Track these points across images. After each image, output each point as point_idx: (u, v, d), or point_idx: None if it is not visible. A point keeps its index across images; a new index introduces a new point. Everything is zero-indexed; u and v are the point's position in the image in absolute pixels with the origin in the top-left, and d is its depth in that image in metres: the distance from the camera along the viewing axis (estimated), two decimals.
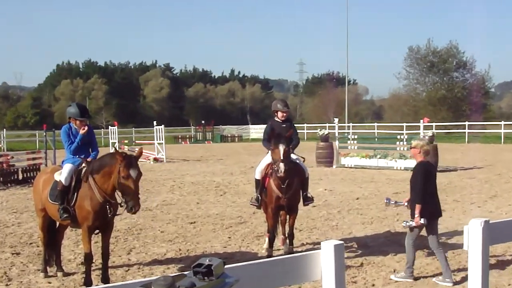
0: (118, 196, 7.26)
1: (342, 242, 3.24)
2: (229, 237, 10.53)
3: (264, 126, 9.63)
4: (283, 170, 8.02)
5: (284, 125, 9.03)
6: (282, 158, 8.11)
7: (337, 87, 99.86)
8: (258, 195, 9.06)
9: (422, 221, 7.41)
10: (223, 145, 49.57)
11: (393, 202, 7.86)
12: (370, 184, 18.50)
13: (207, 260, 2.34)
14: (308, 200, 9.09)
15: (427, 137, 22.13)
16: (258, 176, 9.07)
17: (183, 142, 53.64)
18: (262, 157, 9.36)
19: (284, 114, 9.16)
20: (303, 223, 11.68)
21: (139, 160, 7.19)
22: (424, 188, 7.45)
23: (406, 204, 7.75)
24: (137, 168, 6.94)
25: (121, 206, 7.14)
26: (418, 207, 7.41)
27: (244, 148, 42.10)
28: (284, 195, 8.50)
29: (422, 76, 67.66)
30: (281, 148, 8.16)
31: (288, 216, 9.05)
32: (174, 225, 11.81)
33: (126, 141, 34.69)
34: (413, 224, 7.47)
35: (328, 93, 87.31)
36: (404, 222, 7.63)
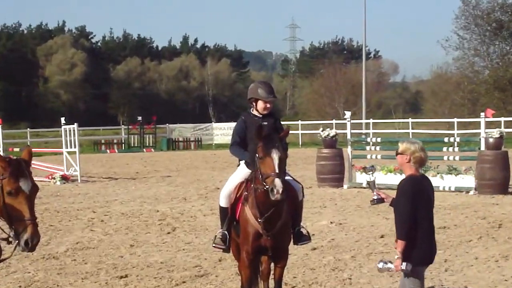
0: (1, 229, 7.15)
1: None
2: None
3: (234, 124, 9.59)
4: (280, 190, 7.88)
5: (266, 123, 9.00)
6: (277, 171, 8.07)
7: (350, 62, 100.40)
8: (225, 232, 9.03)
9: (403, 266, 7.47)
10: (172, 154, 49.46)
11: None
12: None
13: None
14: (302, 238, 9.05)
15: (491, 140, 22.20)
16: (224, 202, 9.03)
17: (108, 151, 53.41)
18: (231, 172, 9.34)
19: (268, 106, 9.14)
20: (297, 276, 11.64)
21: (35, 176, 7.11)
22: (413, 217, 7.49)
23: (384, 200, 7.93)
24: (30, 178, 6.85)
25: (9, 243, 7.01)
26: (400, 245, 7.48)
27: (205, 159, 42.05)
28: (267, 231, 8.48)
29: (483, 44, 68.15)
30: (275, 156, 8.09)
31: (273, 265, 9.04)
32: (94, 281, 11.69)
33: (16, 149, 34.33)
34: (392, 268, 7.58)
35: (335, 72, 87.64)
36: (381, 264, 7.72)
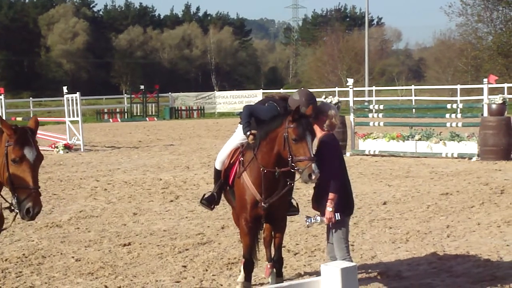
0: (3, 198, 7.11)
1: (354, 264, 3.23)
2: (185, 266, 10.53)
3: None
4: (318, 176, 7.88)
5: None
6: (312, 155, 7.99)
7: (352, 30, 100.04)
8: (214, 194, 9.21)
9: (338, 217, 7.81)
10: (175, 123, 49.43)
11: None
12: (405, 180, 18.62)
13: None
14: (290, 209, 9.09)
15: (494, 106, 22.01)
16: (219, 166, 9.16)
17: (111, 120, 53.38)
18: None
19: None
20: (300, 242, 11.71)
21: (40, 146, 7.07)
22: (341, 170, 8.00)
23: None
24: (35, 147, 6.82)
25: (11, 211, 6.96)
26: (334, 198, 7.82)
27: (207, 128, 42.02)
28: (264, 199, 8.49)
29: (486, 10, 67.59)
30: (309, 139, 8.03)
31: (273, 232, 9.09)
32: (98, 249, 11.76)
33: (19, 119, 34.43)
34: (323, 220, 7.88)
35: (338, 40, 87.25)
36: (308, 219, 8.02)
